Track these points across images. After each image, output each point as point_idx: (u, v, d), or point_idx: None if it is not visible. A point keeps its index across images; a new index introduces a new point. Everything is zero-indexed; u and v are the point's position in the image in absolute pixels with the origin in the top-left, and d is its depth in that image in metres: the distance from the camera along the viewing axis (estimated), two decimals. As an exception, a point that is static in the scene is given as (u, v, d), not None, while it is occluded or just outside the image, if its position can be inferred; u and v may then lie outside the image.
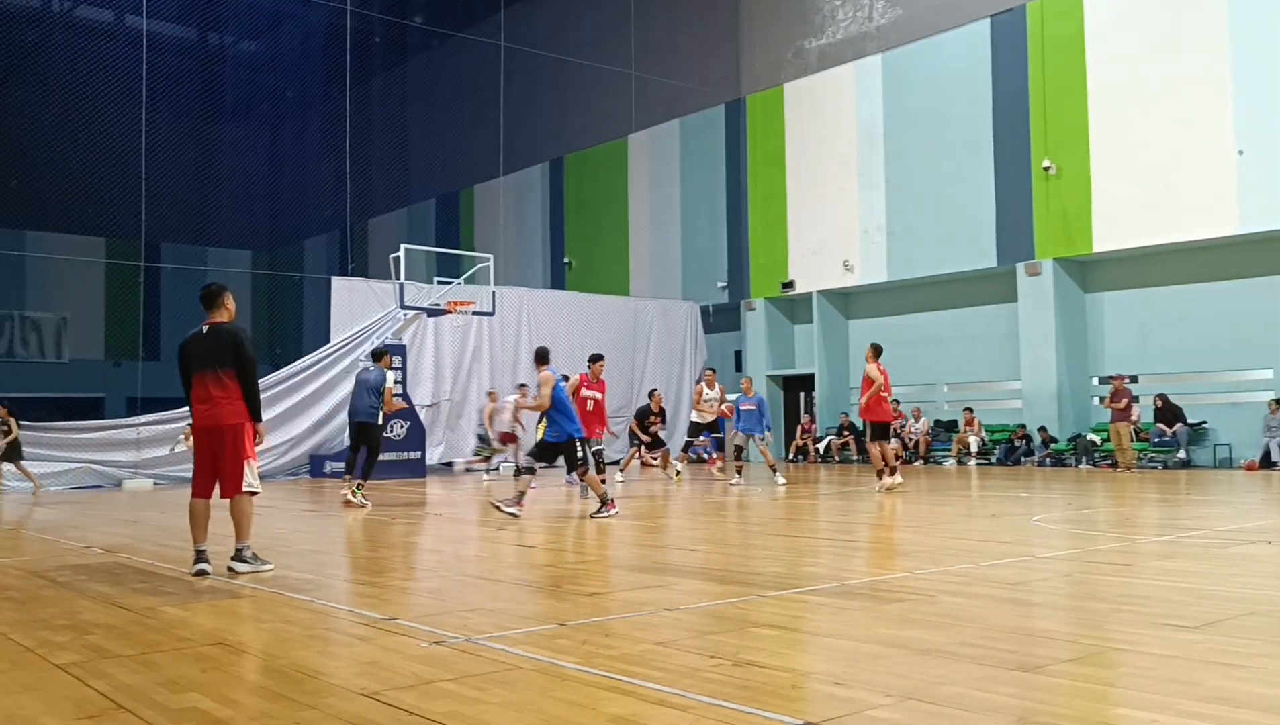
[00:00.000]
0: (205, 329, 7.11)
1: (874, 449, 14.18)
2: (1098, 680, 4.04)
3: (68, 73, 30.78)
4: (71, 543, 9.29)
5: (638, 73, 27.33)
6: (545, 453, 10.88)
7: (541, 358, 11.33)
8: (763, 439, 16.34)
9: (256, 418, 7.08)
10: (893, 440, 19.89)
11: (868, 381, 14.02)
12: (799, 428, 24.35)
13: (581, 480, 11.61)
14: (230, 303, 7.22)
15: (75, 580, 6.91)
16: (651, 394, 20.17)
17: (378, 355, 13.40)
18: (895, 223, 22.62)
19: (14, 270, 33.77)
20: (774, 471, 16.14)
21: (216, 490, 7.09)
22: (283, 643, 4.83)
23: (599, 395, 14.30)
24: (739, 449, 16.81)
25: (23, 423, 16.87)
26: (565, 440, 10.68)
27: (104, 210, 29.32)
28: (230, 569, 6.91)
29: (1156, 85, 18.83)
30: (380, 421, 12.83)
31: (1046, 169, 20.05)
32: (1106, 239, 19.54)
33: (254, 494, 7.13)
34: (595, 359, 14.43)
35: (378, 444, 12.96)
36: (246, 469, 7.04)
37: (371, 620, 5.30)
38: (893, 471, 14.02)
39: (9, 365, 34.45)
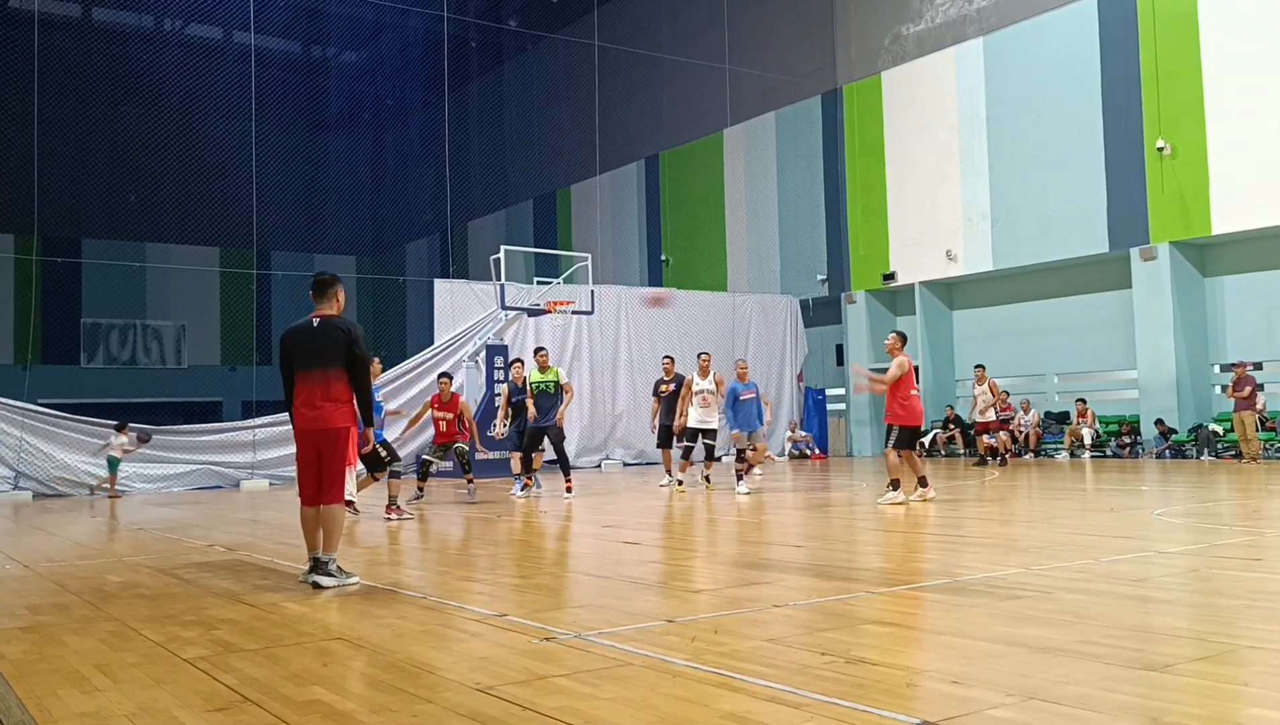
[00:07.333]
0: (315, 322, 6.53)
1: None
2: (1230, 680, 3.87)
3: (180, 89, 32.08)
4: (195, 541, 9.65)
5: (732, 67, 27.18)
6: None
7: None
8: (757, 436, 14.21)
9: (368, 422, 6.58)
10: (1001, 433, 19.26)
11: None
12: (903, 421, 23.88)
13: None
14: (341, 296, 6.67)
15: (200, 577, 7.16)
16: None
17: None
18: (1000, 210, 22.05)
19: (135, 281, 35.34)
20: (742, 476, 13.67)
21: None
22: (399, 638, 4.93)
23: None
24: (739, 452, 14.09)
25: (144, 427, 17.68)
26: None
27: (218, 220, 30.56)
28: (315, 584, 6.34)
29: (1276, 55, 17.97)
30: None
31: (1160, 149, 19.30)
32: (1226, 220, 18.72)
33: (350, 504, 6.85)
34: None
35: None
36: (348, 476, 6.63)
37: (482, 617, 5.38)
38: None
39: (132, 372, 36.10)
